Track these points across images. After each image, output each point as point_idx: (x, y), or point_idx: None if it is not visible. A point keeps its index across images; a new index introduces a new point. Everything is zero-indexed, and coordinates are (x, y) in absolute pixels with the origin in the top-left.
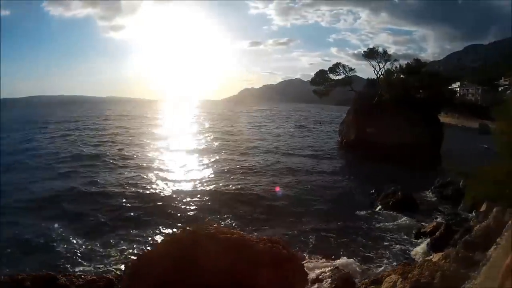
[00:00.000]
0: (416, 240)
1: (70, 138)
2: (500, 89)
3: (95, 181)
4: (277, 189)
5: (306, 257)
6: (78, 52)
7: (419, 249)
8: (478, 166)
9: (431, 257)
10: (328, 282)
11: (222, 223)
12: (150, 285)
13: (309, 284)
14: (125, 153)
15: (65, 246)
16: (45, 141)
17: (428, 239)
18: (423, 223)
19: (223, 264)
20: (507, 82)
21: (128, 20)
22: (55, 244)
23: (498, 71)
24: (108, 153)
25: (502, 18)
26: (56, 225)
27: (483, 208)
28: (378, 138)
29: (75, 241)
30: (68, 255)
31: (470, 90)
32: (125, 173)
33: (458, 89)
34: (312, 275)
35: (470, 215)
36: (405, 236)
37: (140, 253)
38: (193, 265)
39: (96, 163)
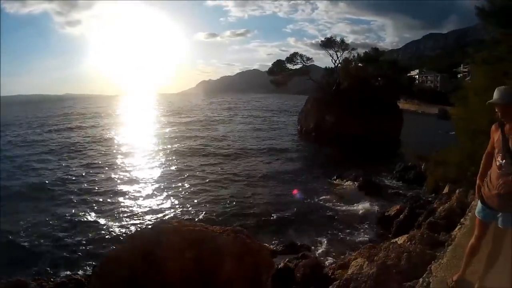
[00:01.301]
0: (380, 224)
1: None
2: (459, 76)
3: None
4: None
5: (271, 247)
6: (35, 49)
7: (383, 232)
8: (438, 149)
9: (396, 239)
10: (296, 269)
11: (185, 217)
12: (117, 283)
13: (276, 272)
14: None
15: (32, 248)
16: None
17: (393, 224)
18: (387, 207)
19: (188, 257)
20: (466, 69)
21: (84, 15)
22: (22, 247)
23: (456, 59)
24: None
25: (461, 7)
26: (20, 226)
27: (445, 190)
28: (337, 126)
29: (40, 243)
30: (36, 258)
31: (429, 77)
32: (81, 172)
33: (417, 76)
34: (278, 263)
35: (432, 197)
36: (369, 219)
37: (107, 252)
38: (158, 260)
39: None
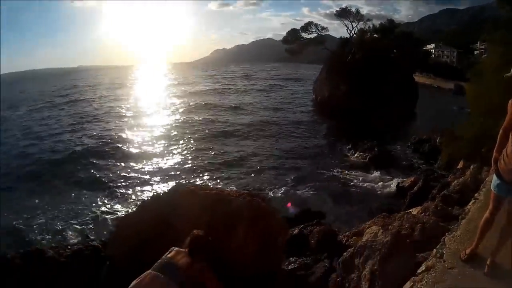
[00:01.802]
0: (394, 195)
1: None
2: (475, 53)
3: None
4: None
5: (287, 212)
6: (47, 23)
7: (398, 203)
8: (453, 125)
9: (410, 210)
10: (310, 236)
11: (201, 182)
12: (131, 246)
13: (290, 238)
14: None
15: (48, 216)
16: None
17: (407, 195)
18: (401, 178)
19: (203, 221)
20: (482, 47)
21: None
22: (37, 216)
23: (473, 35)
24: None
25: None
26: (36, 199)
27: (459, 165)
28: (351, 96)
29: (56, 211)
30: (50, 226)
31: (445, 52)
32: (95, 142)
33: (433, 50)
34: (293, 230)
35: (446, 172)
36: (384, 190)
37: (122, 216)
38: (172, 223)
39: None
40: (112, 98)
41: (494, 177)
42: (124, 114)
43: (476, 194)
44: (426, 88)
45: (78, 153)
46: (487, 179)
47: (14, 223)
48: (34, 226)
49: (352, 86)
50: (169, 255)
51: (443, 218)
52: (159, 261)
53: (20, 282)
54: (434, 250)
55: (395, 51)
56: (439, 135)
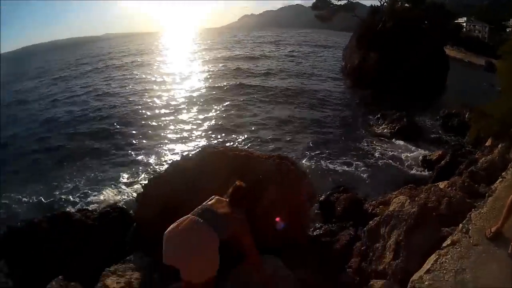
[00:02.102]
0: (421, 167)
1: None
2: (508, 30)
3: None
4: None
5: (314, 178)
6: None
7: (424, 175)
8: (482, 101)
9: (437, 184)
10: (336, 203)
11: (232, 144)
12: (159, 207)
13: (318, 204)
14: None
15: (74, 179)
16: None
17: (434, 168)
18: (428, 151)
19: (231, 182)
20: None
21: None
22: (64, 183)
23: (505, 13)
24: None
25: None
26: (63, 166)
27: (488, 143)
28: (381, 65)
29: (84, 177)
30: (77, 192)
31: (477, 26)
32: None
33: (465, 24)
34: (320, 196)
35: (474, 149)
36: (411, 162)
37: (151, 177)
38: (201, 184)
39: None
40: (138, 64)
41: None
42: (151, 80)
43: (503, 173)
44: (456, 62)
45: (105, 119)
46: None
47: (40, 188)
48: (62, 192)
49: (382, 55)
50: (209, 202)
51: (470, 195)
52: (199, 207)
53: (47, 245)
54: (460, 225)
55: (426, 22)
56: (469, 110)
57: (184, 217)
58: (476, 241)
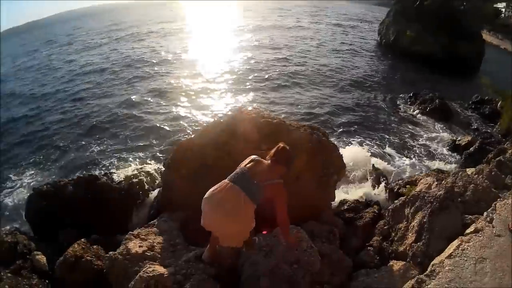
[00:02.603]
0: (450, 151)
1: None
2: None
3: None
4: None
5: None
6: None
7: (452, 160)
8: None
9: (464, 169)
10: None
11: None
12: (187, 172)
13: (347, 177)
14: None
15: (102, 147)
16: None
17: (462, 153)
18: (458, 136)
19: (262, 149)
20: None
21: None
22: (89, 147)
23: None
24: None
25: None
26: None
27: None
28: (417, 42)
29: (109, 140)
30: (105, 156)
31: None
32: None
33: (504, 10)
34: (349, 170)
35: (504, 138)
36: (439, 145)
37: (181, 141)
38: (231, 149)
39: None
40: (167, 33)
41: None
42: (183, 48)
43: None
44: (492, 48)
45: (133, 88)
46: None
47: (65, 154)
48: (88, 160)
49: (419, 32)
50: (248, 166)
51: (496, 185)
52: (236, 170)
53: (72, 207)
54: (485, 214)
55: (464, 3)
56: (501, 99)
57: (222, 182)
58: (499, 232)
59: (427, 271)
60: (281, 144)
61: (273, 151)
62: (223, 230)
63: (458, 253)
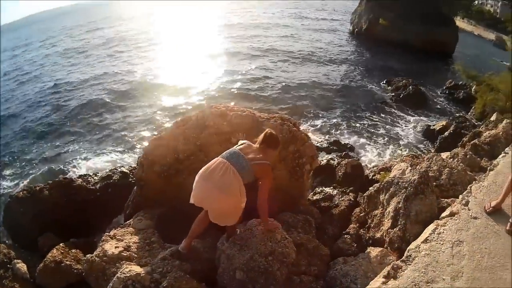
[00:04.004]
0: (424, 136)
1: None
2: None
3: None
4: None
5: (316, 142)
6: None
7: (427, 145)
8: (490, 75)
9: (439, 154)
10: (337, 167)
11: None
12: (160, 168)
13: (318, 168)
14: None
15: (73, 145)
16: None
17: (437, 138)
18: (432, 121)
19: (233, 142)
20: None
21: None
22: (63, 145)
23: None
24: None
25: None
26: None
27: (492, 117)
28: (390, 30)
29: (82, 139)
30: (79, 154)
31: (489, 0)
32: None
33: None
34: (321, 160)
35: (479, 122)
36: (414, 130)
37: (153, 137)
38: (203, 144)
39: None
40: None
41: None
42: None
43: (507, 149)
44: (466, 34)
45: (104, 85)
46: None
47: (38, 154)
48: (61, 158)
49: (393, 20)
50: (239, 147)
51: (471, 168)
52: (228, 150)
53: (49, 212)
54: (460, 197)
55: None
56: (475, 83)
57: (214, 159)
58: (475, 214)
59: (403, 257)
60: (268, 130)
61: (261, 137)
62: (213, 203)
63: (434, 237)
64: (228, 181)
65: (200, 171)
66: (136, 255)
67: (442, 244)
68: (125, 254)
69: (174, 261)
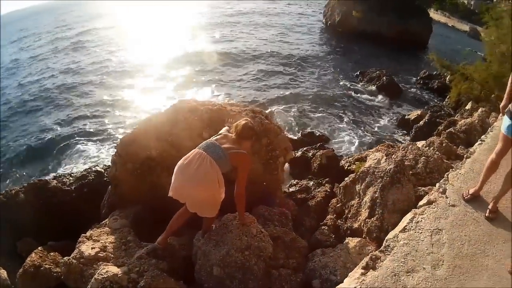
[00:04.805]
0: (399, 126)
1: None
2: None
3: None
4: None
5: (290, 135)
6: None
7: (402, 134)
8: (464, 64)
9: (415, 143)
10: (312, 159)
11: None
12: (133, 166)
13: (293, 160)
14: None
15: (51, 146)
16: None
17: (412, 128)
18: (407, 111)
19: (205, 137)
20: None
21: None
22: (39, 146)
23: None
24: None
25: None
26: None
27: (468, 106)
28: (363, 22)
29: (55, 137)
30: (53, 155)
31: None
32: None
33: None
34: (296, 152)
35: (454, 111)
36: (388, 121)
37: (123, 135)
38: (174, 140)
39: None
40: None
41: (506, 118)
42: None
43: (483, 136)
44: (440, 25)
45: (77, 75)
46: (495, 124)
47: (12, 159)
48: (35, 160)
49: (366, 12)
50: (215, 137)
51: (447, 156)
52: (205, 141)
53: (26, 215)
54: (437, 185)
55: None
56: (450, 73)
57: (191, 151)
58: (453, 202)
59: (381, 247)
60: (242, 121)
61: (238, 128)
62: (191, 195)
63: (412, 226)
64: (204, 171)
65: (178, 163)
66: (112, 255)
67: (421, 233)
68: (101, 255)
69: (151, 260)
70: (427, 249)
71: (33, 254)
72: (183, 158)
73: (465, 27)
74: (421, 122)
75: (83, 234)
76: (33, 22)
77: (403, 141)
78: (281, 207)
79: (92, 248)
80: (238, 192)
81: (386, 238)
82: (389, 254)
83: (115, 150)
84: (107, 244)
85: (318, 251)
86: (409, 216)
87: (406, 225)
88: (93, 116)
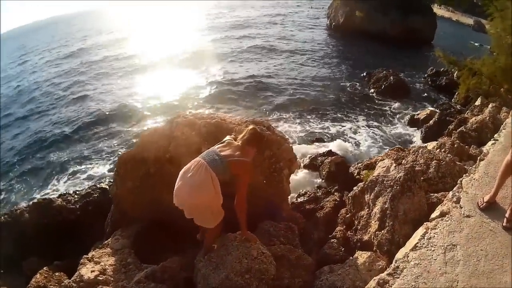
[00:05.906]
0: (408, 127)
1: None
2: None
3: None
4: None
5: (297, 142)
6: None
7: (412, 135)
8: (472, 59)
9: (425, 145)
10: (321, 167)
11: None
12: (133, 183)
13: (301, 168)
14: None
15: (52, 163)
16: None
17: (422, 128)
18: (416, 110)
19: (204, 151)
20: None
21: None
22: (39, 164)
23: None
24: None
25: None
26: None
27: (477, 102)
28: (367, 22)
29: (58, 156)
30: (56, 174)
31: None
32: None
33: None
34: (304, 159)
35: (463, 108)
36: (398, 121)
37: (122, 153)
38: (172, 155)
39: None
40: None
41: None
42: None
43: (496, 135)
44: (444, 20)
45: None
46: (507, 120)
47: (15, 178)
48: (39, 175)
49: (368, 12)
50: (217, 146)
51: (460, 157)
52: (206, 150)
53: (31, 234)
54: (450, 193)
55: None
56: (457, 68)
57: (193, 160)
58: (468, 212)
59: (389, 269)
60: (250, 127)
61: (245, 134)
62: (188, 200)
63: (424, 244)
64: (199, 178)
65: (181, 173)
66: (112, 278)
67: (433, 250)
68: (101, 278)
69: (150, 284)
70: (440, 269)
71: (38, 275)
72: (184, 168)
73: (470, 20)
74: (431, 122)
75: (85, 256)
76: (36, 36)
77: (413, 141)
78: (288, 221)
79: (92, 272)
80: (238, 200)
81: (395, 258)
82: (398, 277)
83: (115, 167)
84: (107, 266)
85: (326, 268)
86: (420, 231)
87: (417, 242)
88: (97, 130)
